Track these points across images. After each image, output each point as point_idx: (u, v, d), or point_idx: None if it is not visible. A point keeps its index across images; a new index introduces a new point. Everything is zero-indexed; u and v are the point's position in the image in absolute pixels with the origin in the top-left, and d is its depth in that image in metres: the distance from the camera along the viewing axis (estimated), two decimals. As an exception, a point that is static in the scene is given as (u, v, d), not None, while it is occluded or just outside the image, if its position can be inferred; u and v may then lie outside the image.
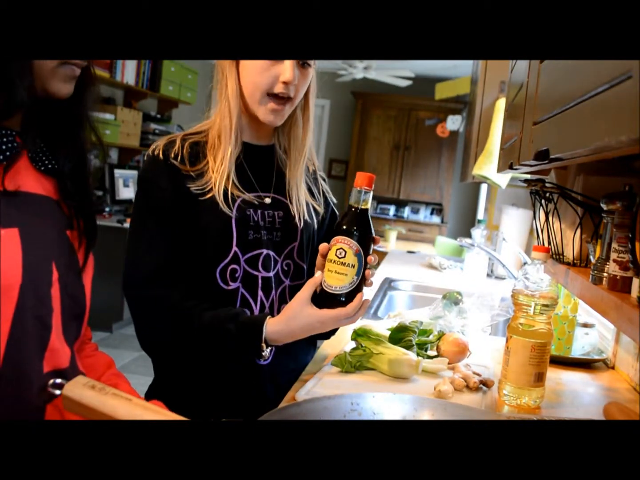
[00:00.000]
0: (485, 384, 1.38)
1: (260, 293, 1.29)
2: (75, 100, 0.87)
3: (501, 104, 2.63)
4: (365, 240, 1.19)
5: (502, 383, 1.33)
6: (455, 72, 6.64)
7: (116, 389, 0.93)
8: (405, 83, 6.62)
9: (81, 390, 0.75)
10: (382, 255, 4.32)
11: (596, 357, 1.70)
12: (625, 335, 0.91)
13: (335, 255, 1.17)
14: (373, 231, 1.21)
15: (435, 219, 7.76)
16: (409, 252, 4.34)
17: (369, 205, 1.20)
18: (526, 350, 1.27)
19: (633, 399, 1.45)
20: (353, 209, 1.19)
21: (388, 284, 2.76)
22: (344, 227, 1.18)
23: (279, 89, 1.22)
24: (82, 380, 0.76)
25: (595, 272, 0.99)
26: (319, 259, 1.22)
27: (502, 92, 3.00)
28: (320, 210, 1.42)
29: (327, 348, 1.60)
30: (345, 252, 1.16)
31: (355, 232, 1.17)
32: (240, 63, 1.25)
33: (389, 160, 7.73)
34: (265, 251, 1.29)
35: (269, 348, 1.21)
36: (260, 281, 1.29)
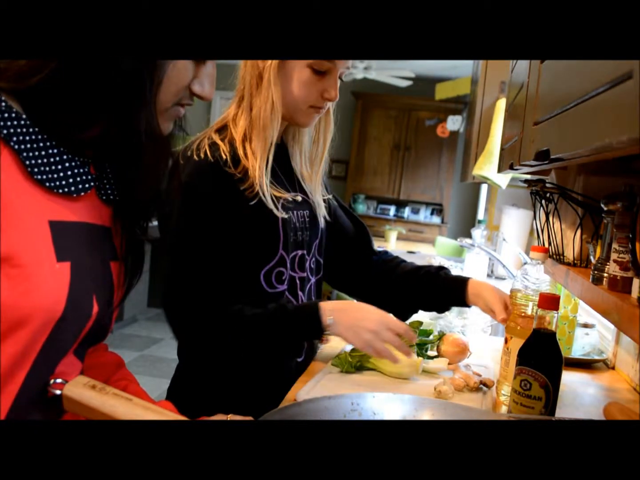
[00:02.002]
0: (485, 384, 1.38)
1: (300, 293, 1.31)
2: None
3: (501, 104, 2.63)
4: (554, 370, 1.06)
5: (500, 383, 1.33)
6: (455, 72, 6.64)
7: (126, 388, 0.94)
8: (405, 83, 6.62)
9: (81, 390, 0.75)
10: (382, 255, 4.32)
11: (596, 358, 1.70)
12: (626, 335, 0.91)
13: (520, 386, 1.07)
14: (562, 358, 1.08)
15: (436, 219, 7.76)
16: (409, 252, 4.34)
17: (554, 328, 1.07)
18: None
19: (633, 399, 1.45)
20: (538, 334, 1.08)
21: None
22: (528, 355, 1.08)
23: (320, 103, 1.24)
24: (82, 380, 0.76)
25: (596, 272, 0.99)
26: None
27: (503, 92, 3.00)
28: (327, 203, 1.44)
29: (328, 348, 1.60)
30: (531, 384, 1.06)
31: (541, 362, 1.06)
32: (287, 72, 1.23)
33: (389, 160, 7.73)
34: (300, 252, 1.29)
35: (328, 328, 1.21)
36: (298, 282, 1.30)
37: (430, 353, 1.56)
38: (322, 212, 1.37)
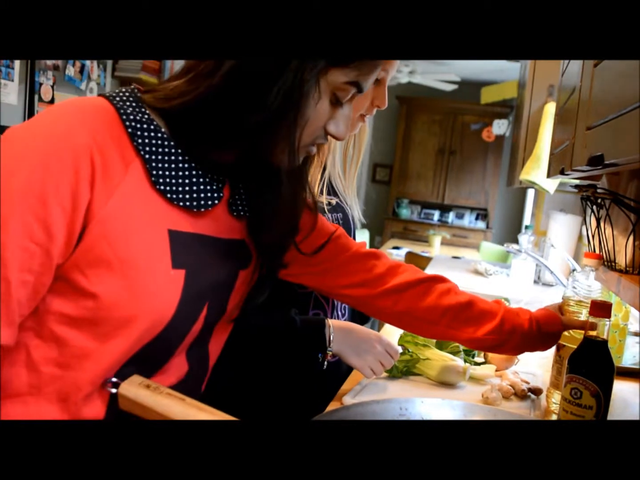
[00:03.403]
0: (534, 391, 1.36)
1: None
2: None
3: (550, 108, 2.59)
4: (605, 379, 1.04)
5: (550, 391, 1.31)
6: (501, 75, 6.57)
7: None
8: (450, 87, 6.57)
9: (136, 389, 0.76)
10: (426, 260, 4.30)
11: (648, 367, 1.66)
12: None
13: (570, 395, 1.06)
14: (614, 367, 1.06)
15: (480, 224, 7.67)
16: (454, 257, 4.30)
17: (605, 335, 1.05)
18: None
19: (687, 410, 1.42)
20: (590, 341, 1.06)
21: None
22: (579, 363, 1.06)
23: (370, 112, 1.25)
24: (137, 379, 0.78)
25: (649, 279, 0.97)
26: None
27: (551, 96, 2.96)
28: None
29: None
30: (581, 393, 1.04)
31: (592, 370, 1.04)
32: None
33: (433, 164, 7.68)
34: None
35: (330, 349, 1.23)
36: None
37: (477, 359, 1.55)
38: (356, 215, 1.38)
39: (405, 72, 6.29)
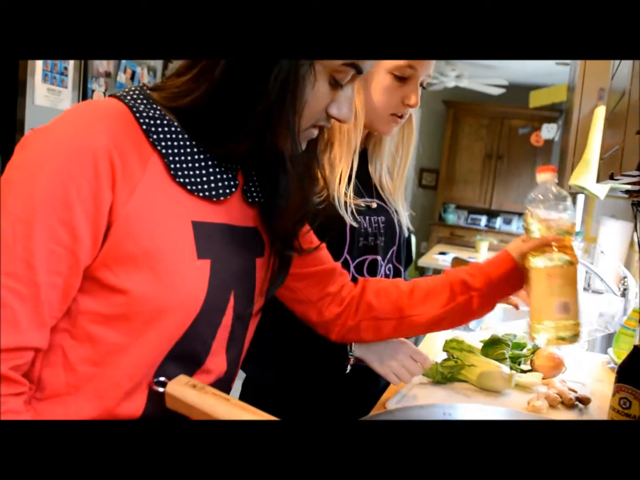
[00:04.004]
0: (582, 401, 1.34)
1: None
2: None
3: (600, 112, 2.54)
4: None
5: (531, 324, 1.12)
6: (550, 79, 6.45)
7: None
8: (498, 91, 6.50)
9: (183, 389, 0.78)
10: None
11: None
12: None
13: (619, 404, 1.05)
14: None
15: (529, 230, 7.55)
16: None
17: None
18: (542, 279, 1.07)
19: None
20: (639, 351, 1.04)
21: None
22: (629, 372, 1.04)
23: (401, 111, 1.24)
24: (184, 379, 0.80)
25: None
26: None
27: (601, 99, 2.90)
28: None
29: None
30: (631, 402, 1.03)
31: None
32: (370, 79, 1.24)
33: (480, 169, 7.59)
34: (371, 257, 1.30)
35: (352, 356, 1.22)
36: None
37: (523, 367, 1.53)
38: (402, 220, 1.37)
39: (452, 76, 6.25)
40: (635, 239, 1.42)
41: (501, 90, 6.50)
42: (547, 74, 6.36)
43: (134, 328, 0.77)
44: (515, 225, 7.60)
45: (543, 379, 1.45)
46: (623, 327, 1.70)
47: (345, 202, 1.26)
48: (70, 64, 2.86)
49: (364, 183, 1.34)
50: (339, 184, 1.24)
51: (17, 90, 2.62)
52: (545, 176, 1.12)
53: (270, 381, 1.32)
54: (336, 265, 1.15)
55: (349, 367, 1.22)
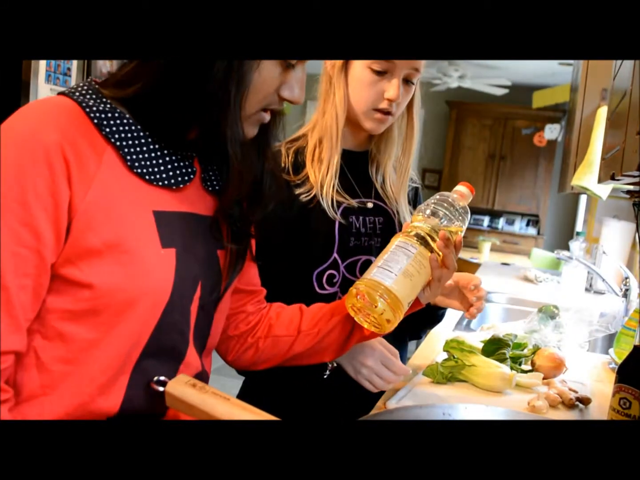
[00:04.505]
0: (582, 401, 1.34)
1: None
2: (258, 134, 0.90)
3: (603, 113, 2.53)
4: None
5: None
6: (553, 80, 6.45)
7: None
8: (501, 92, 6.49)
9: (183, 388, 0.79)
10: (475, 266, 4.25)
11: None
12: None
13: (619, 404, 1.04)
14: None
15: (531, 231, 7.55)
16: (503, 264, 4.24)
17: None
18: None
19: None
20: (639, 351, 1.04)
21: (481, 296, 2.71)
22: (629, 372, 1.04)
23: (383, 105, 1.24)
24: (184, 378, 0.80)
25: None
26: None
27: (604, 100, 2.89)
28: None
29: (418, 358, 1.59)
30: (631, 402, 1.02)
31: None
32: (349, 74, 1.26)
33: (483, 170, 7.59)
34: (364, 257, 1.30)
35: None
36: None
37: (524, 367, 1.53)
38: (404, 221, 1.36)
39: (455, 76, 6.24)
40: (637, 240, 1.42)
41: (504, 91, 6.50)
42: (550, 74, 6.36)
43: (103, 322, 0.77)
44: (518, 226, 7.60)
45: (544, 379, 1.45)
46: (624, 328, 1.70)
47: (336, 201, 1.26)
48: (74, 64, 2.86)
49: (362, 183, 1.34)
50: (325, 180, 1.25)
51: (20, 91, 2.63)
52: (462, 189, 1.08)
53: (266, 382, 1.32)
54: (263, 291, 1.12)
55: (327, 372, 1.21)
